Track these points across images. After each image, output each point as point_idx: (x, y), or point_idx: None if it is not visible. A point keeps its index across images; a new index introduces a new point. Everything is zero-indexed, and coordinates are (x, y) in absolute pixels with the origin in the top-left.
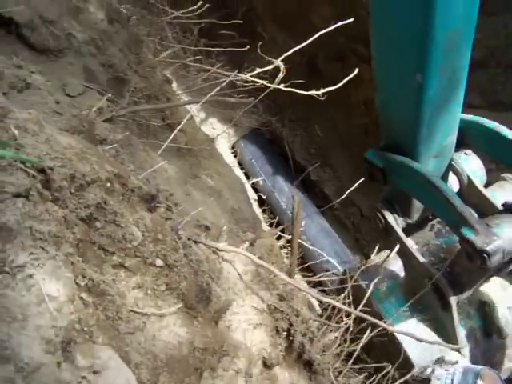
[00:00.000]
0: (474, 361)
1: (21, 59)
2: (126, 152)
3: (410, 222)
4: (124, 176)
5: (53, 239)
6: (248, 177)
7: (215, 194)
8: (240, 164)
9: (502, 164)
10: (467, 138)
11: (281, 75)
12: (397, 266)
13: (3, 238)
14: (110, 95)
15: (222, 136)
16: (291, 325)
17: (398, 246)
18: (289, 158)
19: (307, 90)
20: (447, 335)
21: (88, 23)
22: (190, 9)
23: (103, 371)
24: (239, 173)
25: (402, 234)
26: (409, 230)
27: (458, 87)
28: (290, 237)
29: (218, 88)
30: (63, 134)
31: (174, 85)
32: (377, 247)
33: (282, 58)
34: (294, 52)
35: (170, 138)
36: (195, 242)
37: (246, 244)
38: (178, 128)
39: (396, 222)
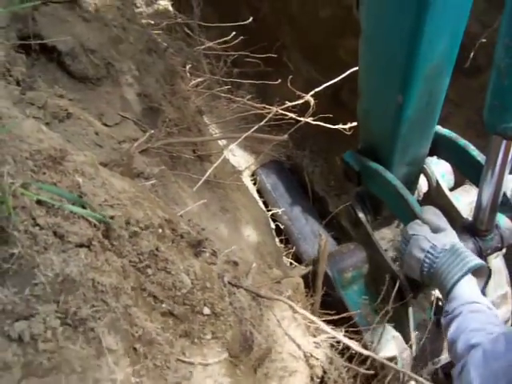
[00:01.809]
0: (422, 348)
1: (60, 86)
2: (159, 184)
3: (379, 218)
4: (174, 221)
5: (113, 291)
6: (266, 205)
7: (242, 228)
8: (259, 192)
9: (464, 177)
10: (439, 149)
11: (311, 110)
12: (362, 257)
13: (66, 289)
14: (145, 126)
15: (242, 163)
16: (325, 372)
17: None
18: (308, 188)
19: (331, 122)
20: (401, 324)
21: (127, 53)
22: (223, 39)
23: None
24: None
25: (370, 229)
26: (377, 226)
27: (434, 108)
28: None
29: (251, 131)
30: (115, 175)
31: (205, 115)
32: None
33: (312, 92)
34: (317, 83)
35: (207, 174)
36: (237, 286)
37: (288, 292)
38: (214, 166)
39: (366, 218)
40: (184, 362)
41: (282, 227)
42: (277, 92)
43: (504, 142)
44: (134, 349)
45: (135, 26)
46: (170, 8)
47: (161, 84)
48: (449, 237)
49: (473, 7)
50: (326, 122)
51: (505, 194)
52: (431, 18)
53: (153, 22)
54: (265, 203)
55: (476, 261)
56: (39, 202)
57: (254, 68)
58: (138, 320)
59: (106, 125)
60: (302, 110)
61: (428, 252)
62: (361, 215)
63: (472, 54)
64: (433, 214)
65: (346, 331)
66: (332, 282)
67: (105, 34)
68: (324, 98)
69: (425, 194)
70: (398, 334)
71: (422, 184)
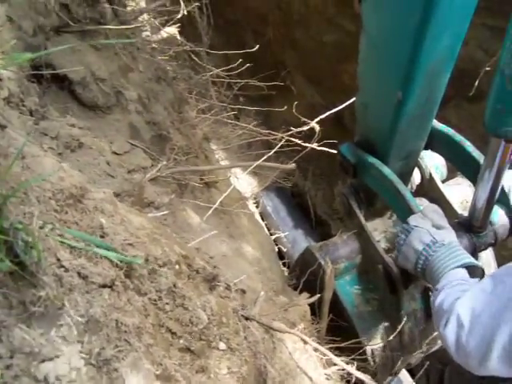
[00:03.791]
0: (412, 337)
1: (71, 114)
2: (168, 212)
3: (372, 209)
4: (190, 257)
5: (135, 331)
6: (268, 229)
7: (248, 254)
8: (261, 215)
9: (458, 171)
10: (435, 143)
11: (316, 136)
12: (355, 247)
13: (91, 329)
14: (154, 154)
15: (245, 186)
16: None
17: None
18: (310, 211)
19: (334, 146)
20: (391, 314)
21: (136, 81)
22: (229, 67)
23: None
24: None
25: (363, 221)
26: (370, 217)
27: (434, 104)
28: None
29: (260, 161)
30: (132, 211)
31: (212, 141)
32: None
33: (317, 119)
34: (320, 107)
35: (217, 203)
36: (250, 319)
37: (301, 326)
38: (222, 198)
39: (359, 209)
40: None
41: (283, 250)
42: (281, 116)
43: (503, 143)
44: None
45: (144, 54)
46: (178, 36)
47: (169, 112)
48: (449, 235)
49: (476, 35)
50: (328, 147)
51: (502, 189)
52: (437, 17)
53: (159, 49)
54: (267, 226)
55: (471, 259)
56: (63, 244)
57: (259, 92)
58: (158, 358)
59: (116, 153)
60: (307, 134)
61: (427, 245)
62: (354, 206)
63: (477, 82)
64: (434, 211)
65: (352, 359)
66: (324, 272)
67: (115, 62)
68: (327, 122)
69: (418, 185)
70: (388, 324)
71: (416, 176)
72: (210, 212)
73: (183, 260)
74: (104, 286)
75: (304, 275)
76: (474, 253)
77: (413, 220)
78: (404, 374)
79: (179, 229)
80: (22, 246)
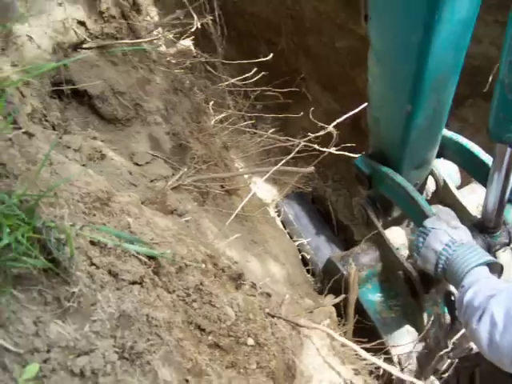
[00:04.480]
0: (436, 342)
1: (92, 128)
2: (191, 220)
3: (390, 218)
4: (215, 256)
5: (166, 325)
6: (291, 236)
7: (272, 259)
8: (283, 223)
9: (470, 175)
10: (446, 151)
11: (334, 140)
12: (375, 256)
13: (123, 324)
14: (175, 163)
15: (265, 193)
16: None
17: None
18: (332, 217)
19: (353, 150)
20: (414, 319)
21: (154, 93)
22: (244, 76)
23: None
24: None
25: (381, 229)
26: (388, 226)
27: (442, 114)
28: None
29: (279, 166)
30: (157, 214)
31: (231, 150)
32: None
33: (334, 123)
34: (336, 113)
35: (238, 209)
36: (277, 317)
37: (327, 321)
38: (242, 204)
39: (377, 218)
40: None
41: (307, 257)
42: (298, 123)
43: (509, 149)
44: (186, 380)
45: (161, 66)
46: (192, 48)
47: (187, 122)
48: (465, 234)
49: (489, 33)
50: (347, 151)
51: None
52: (439, 32)
53: (175, 62)
54: (289, 234)
55: (491, 257)
56: (93, 243)
57: (274, 100)
58: (188, 352)
59: (137, 164)
60: (324, 140)
61: (446, 245)
62: (372, 216)
63: (490, 78)
64: (447, 214)
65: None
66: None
67: (132, 76)
68: (344, 127)
69: (433, 193)
70: (412, 329)
71: (430, 184)
72: (232, 218)
73: (209, 259)
74: (134, 283)
75: (328, 283)
76: (490, 253)
77: (429, 223)
78: (432, 381)
79: (203, 235)
80: (54, 244)
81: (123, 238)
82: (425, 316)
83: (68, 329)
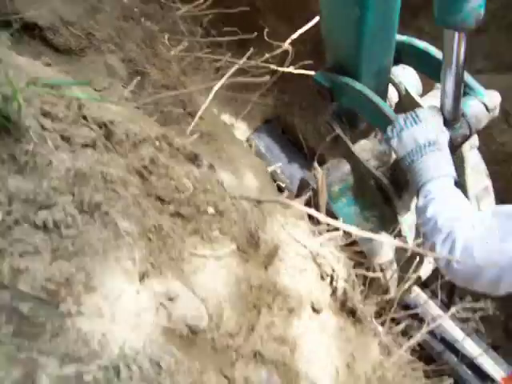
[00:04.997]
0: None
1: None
2: None
3: (357, 131)
4: (169, 136)
5: (121, 181)
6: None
7: (242, 175)
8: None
9: (430, 78)
10: (402, 56)
11: (289, 57)
12: (346, 170)
13: (79, 181)
14: (134, 89)
15: (236, 130)
16: (333, 270)
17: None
18: (302, 145)
19: (313, 68)
20: (392, 228)
21: (105, 22)
22: (196, 3)
23: (177, 299)
24: None
25: (349, 143)
26: (355, 139)
27: (391, 17)
28: None
29: (230, 73)
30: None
31: (190, 77)
32: None
33: (289, 40)
34: (298, 41)
35: (193, 123)
36: (235, 198)
37: (286, 193)
38: (199, 114)
39: (344, 133)
40: (197, 255)
41: (282, 186)
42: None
43: (456, 34)
44: (149, 239)
45: None
46: None
47: (142, 48)
48: (446, 140)
49: None
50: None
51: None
52: None
53: None
54: None
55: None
56: (44, 114)
57: (232, 36)
58: (149, 212)
59: (95, 89)
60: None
61: (429, 142)
62: (339, 130)
63: None
64: (440, 114)
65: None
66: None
67: (80, 5)
68: (304, 53)
69: (396, 103)
70: (391, 238)
71: (393, 94)
72: (195, 137)
73: (163, 138)
74: (86, 146)
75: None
76: (452, 146)
77: (422, 112)
78: (416, 291)
79: None
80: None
81: (74, 84)
82: (402, 223)
83: (27, 184)
